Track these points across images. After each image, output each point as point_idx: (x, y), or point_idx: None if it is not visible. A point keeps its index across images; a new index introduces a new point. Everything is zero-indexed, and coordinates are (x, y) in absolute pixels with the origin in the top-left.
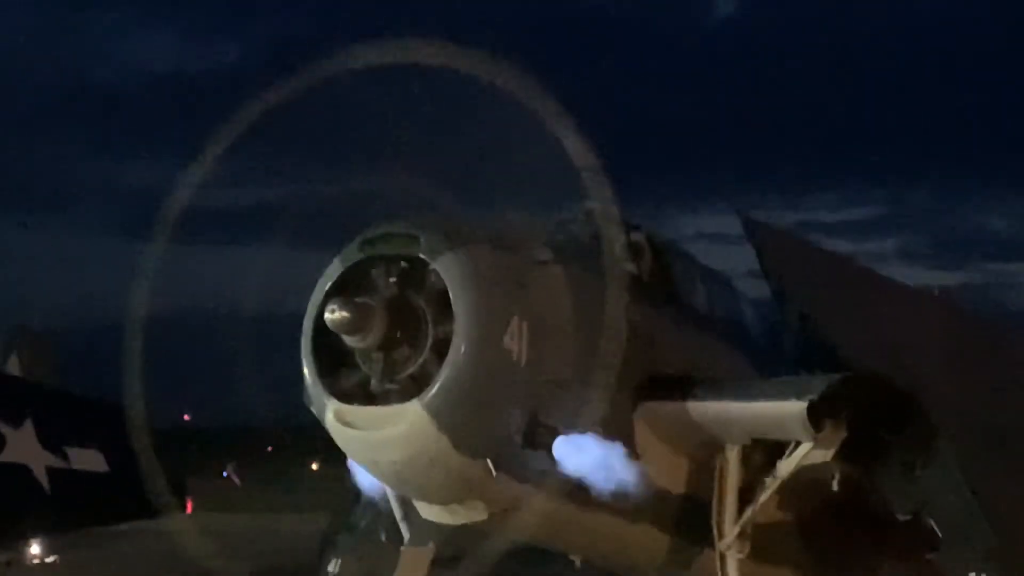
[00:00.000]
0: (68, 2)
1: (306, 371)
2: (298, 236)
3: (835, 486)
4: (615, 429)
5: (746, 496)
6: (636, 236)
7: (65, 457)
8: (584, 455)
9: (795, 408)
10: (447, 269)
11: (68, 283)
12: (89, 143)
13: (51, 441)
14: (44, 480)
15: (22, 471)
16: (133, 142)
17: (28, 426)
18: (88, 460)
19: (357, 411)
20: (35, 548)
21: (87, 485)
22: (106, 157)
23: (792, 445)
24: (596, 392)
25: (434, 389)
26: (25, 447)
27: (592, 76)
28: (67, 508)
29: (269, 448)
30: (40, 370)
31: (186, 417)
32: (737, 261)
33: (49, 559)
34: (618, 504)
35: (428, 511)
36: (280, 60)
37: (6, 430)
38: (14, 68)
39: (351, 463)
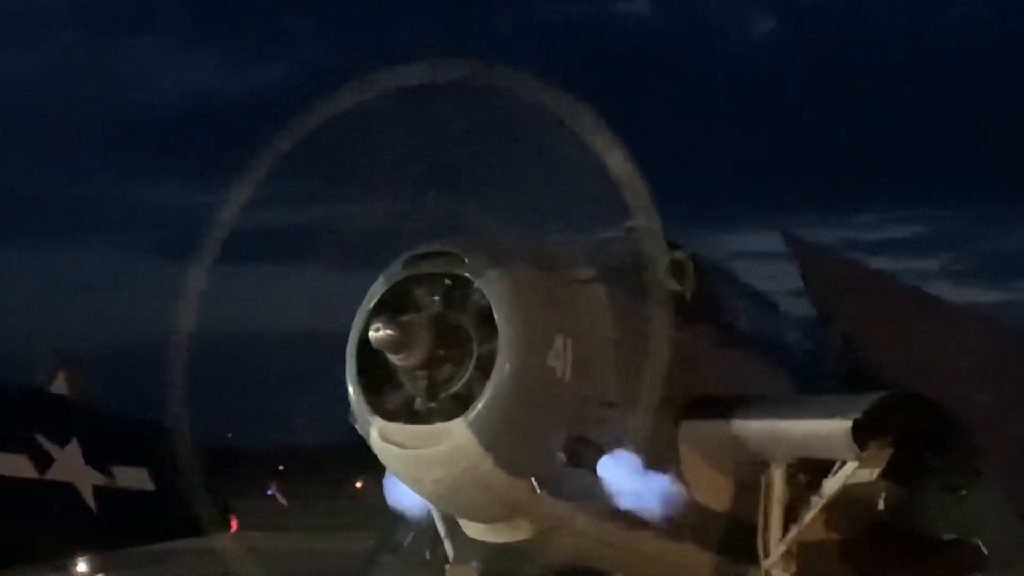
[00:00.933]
0: (106, 25)
1: (351, 390)
2: (341, 256)
3: (881, 505)
4: (658, 448)
5: (791, 515)
6: (679, 255)
7: (111, 475)
8: (628, 474)
9: (840, 427)
10: (491, 287)
11: (109, 304)
12: (127, 165)
13: (97, 460)
14: (90, 498)
15: (68, 490)
16: (171, 164)
17: (74, 445)
18: (133, 478)
19: (401, 429)
20: (81, 566)
21: (133, 503)
22: (144, 178)
23: (837, 464)
24: (640, 411)
25: (478, 407)
26: (71, 466)
27: (634, 95)
28: (113, 526)
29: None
30: (85, 390)
31: (230, 436)
32: (779, 279)
33: None
34: (662, 523)
35: (472, 530)
36: (316, 82)
37: (52, 449)
38: (53, 90)
39: (394, 482)
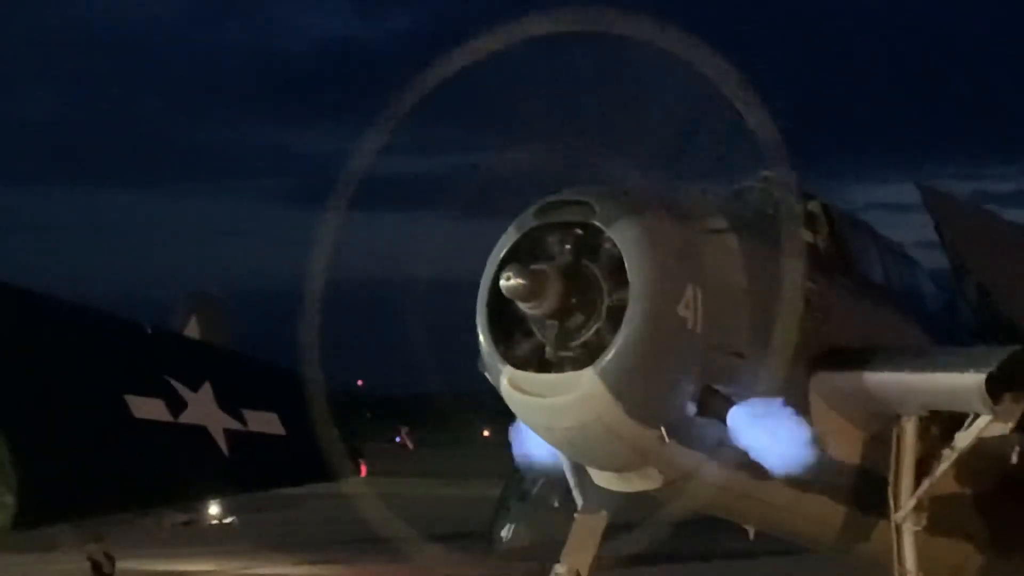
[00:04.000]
0: None
1: (481, 338)
2: (472, 204)
3: (1014, 459)
4: (790, 399)
5: (923, 468)
6: (812, 205)
7: (242, 420)
8: (758, 425)
9: (973, 380)
10: (622, 236)
11: (242, 250)
12: (261, 112)
13: (229, 404)
14: (222, 442)
15: (201, 433)
16: (304, 111)
17: (207, 389)
18: (265, 423)
19: (532, 378)
20: (213, 509)
21: (263, 448)
22: (277, 125)
23: (970, 417)
24: (771, 362)
25: (608, 356)
26: (204, 410)
27: (766, 44)
28: (244, 470)
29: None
30: (217, 334)
31: (360, 383)
32: (911, 231)
33: (227, 520)
34: (792, 475)
35: (601, 478)
36: (449, 29)
37: (185, 393)
38: (186, 37)
39: (523, 430)
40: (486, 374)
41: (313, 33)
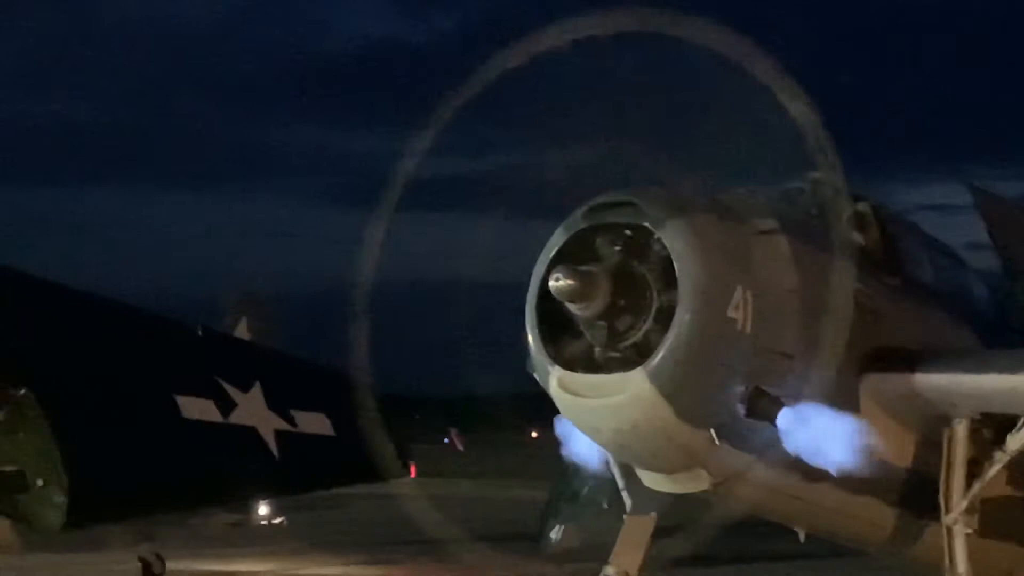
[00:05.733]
0: None
1: (530, 339)
2: (521, 206)
3: None
4: (840, 401)
5: (974, 471)
6: (862, 206)
7: (292, 420)
8: (808, 427)
9: None
10: (671, 238)
11: (291, 250)
12: (307, 113)
13: (278, 404)
14: (271, 442)
15: (250, 433)
16: (349, 111)
17: (257, 390)
18: (314, 424)
19: (580, 379)
20: (262, 509)
21: (313, 448)
22: (324, 126)
23: (1022, 420)
24: (821, 363)
25: (658, 358)
26: (254, 410)
27: (816, 45)
28: (293, 471)
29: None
30: (267, 335)
31: (409, 384)
32: (961, 232)
33: (276, 520)
34: (842, 477)
35: (651, 480)
36: (495, 29)
37: (235, 393)
38: (232, 38)
39: (572, 431)
40: (535, 375)
41: (359, 35)
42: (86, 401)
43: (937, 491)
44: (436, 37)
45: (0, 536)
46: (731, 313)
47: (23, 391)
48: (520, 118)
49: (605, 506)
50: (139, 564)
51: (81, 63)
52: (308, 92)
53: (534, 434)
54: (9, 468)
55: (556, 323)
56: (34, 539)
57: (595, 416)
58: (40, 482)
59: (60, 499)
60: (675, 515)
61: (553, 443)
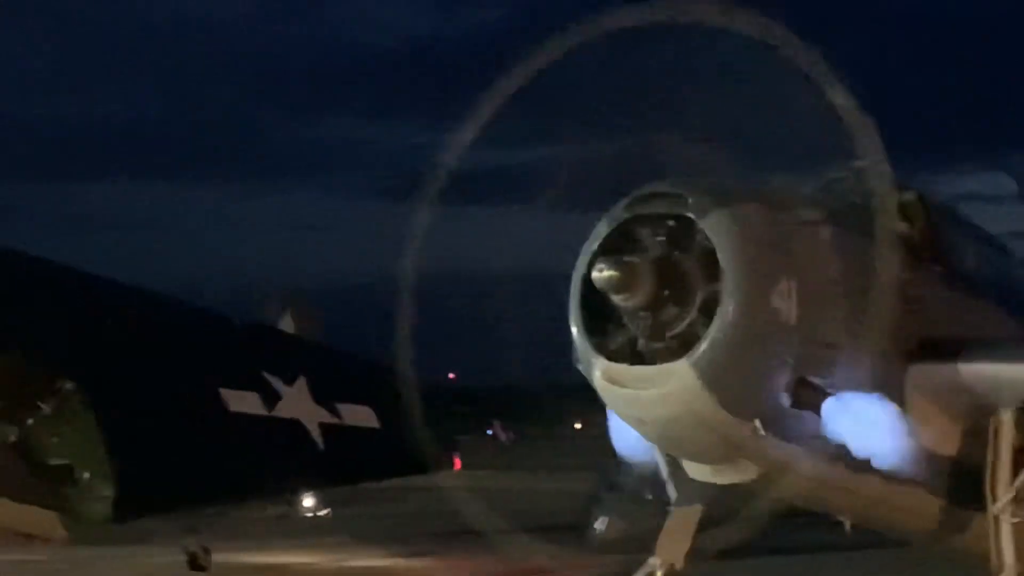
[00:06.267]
0: None
1: (574, 331)
2: (563, 198)
3: None
4: (885, 391)
5: (1020, 460)
6: (908, 196)
7: (337, 413)
8: (853, 417)
9: None
10: (715, 228)
11: (334, 244)
12: (350, 106)
13: (323, 397)
14: (316, 435)
15: (295, 426)
16: (394, 105)
17: (301, 383)
18: (359, 416)
19: (625, 370)
20: (307, 502)
21: (358, 441)
22: (366, 120)
23: None
24: (866, 353)
25: (702, 348)
26: (298, 403)
27: (859, 32)
28: (338, 463)
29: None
30: (311, 329)
31: (452, 376)
32: (1007, 222)
33: (321, 513)
34: (887, 467)
35: (696, 471)
36: (535, 22)
37: (280, 387)
38: (271, 34)
39: (616, 422)
40: (579, 367)
41: (399, 27)
42: (132, 394)
43: (983, 481)
44: (477, 28)
45: (48, 529)
46: (775, 303)
47: (70, 385)
48: (561, 110)
49: (650, 497)
50: (185, 556)
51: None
52: (354, 86)
53: (578, 426)
54: (56, 462)
55: (600, 315)
56: (81, 532)
57: (640, 407)
58: (87, 475)
59: (107, 492)
60: (720, 506)
61: (598, 435)
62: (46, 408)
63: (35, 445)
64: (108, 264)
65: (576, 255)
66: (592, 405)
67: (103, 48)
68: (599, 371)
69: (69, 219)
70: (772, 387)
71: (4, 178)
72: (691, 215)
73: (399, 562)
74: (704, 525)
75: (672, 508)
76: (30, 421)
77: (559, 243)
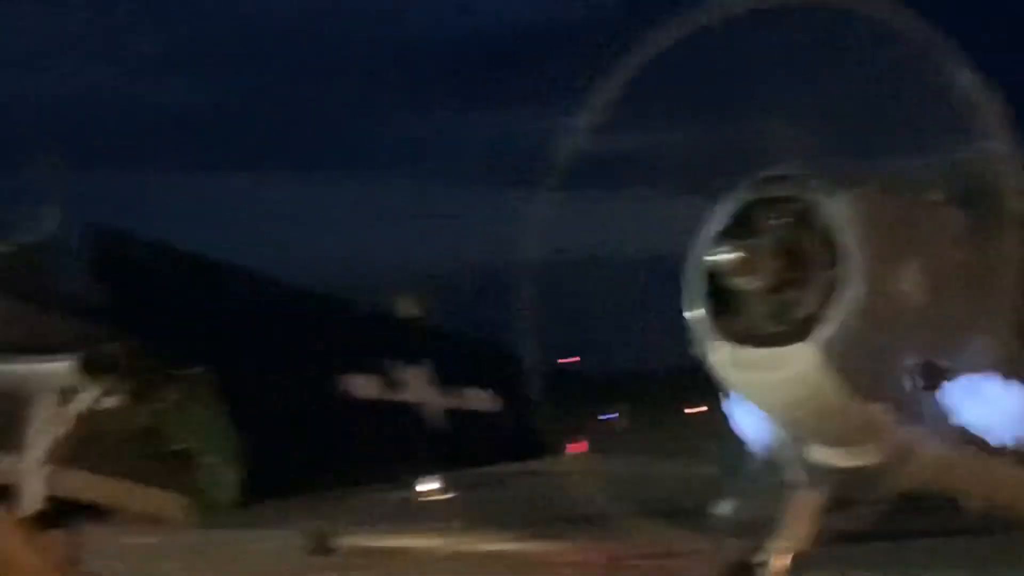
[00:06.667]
0: None
1: (695, 313)
2: (685, 181)
3: None
4: (1012, 373)
5: None
6: None
7: (460, 398)
8: (981, 399)
9: None
10: (838, 210)
11: (457, 230)
12: (462, 94)
13: (446, 382)
14: (439, 419)
15: (418, 411)
16: (506, 92)
17: (424, 367)
18: (481, 400)
19: (748, 353)
20: (430, 486)
21: (480, 424)
22: (479, 107)
23: None
24: (992, 336)
25: (827, 331)
26: (420, 388)
27: (988, 8)
28: (460, 447)
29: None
30: (433, 314)
31: (575, 360)
32: None
33: (444, 497)
34: (1016, 450)
35: (819, 454)
36: (649, 5)
37: (404, 371)
38: (381, 21)
39: (737, 406)
40: (700, 350)
41: (510, 12)
42: (257, 379)
43: None
44: (594, 15)
45: (176, 513)
46: (899, 286)
47: (197, 369)
48: (681, 94)
49: (772, 481)
50: (308, 540)
51: (222, 50)
52: (465, 75)
53: (700, 410)
54: (182, 446)
55: (721, 298)
56: (208, 516)
57: (763, 391)
58: (212, 459)
59: (232, 476)
60: (845, 489)
61: (719, 419)
62: (175, 393)
63: (163, 430)
64: (234, 252)
65: (695, 239)
66: (713, 389)
67: (203, 41)
68: (721, 355)
69: (197, 208)
70: (898, 369)
71: (138, 167)
72: (814, 197)
73: (521, 545)
74: (828, 508)
75: (795, 492)
76: (159, 406)
77: (678, 227)
